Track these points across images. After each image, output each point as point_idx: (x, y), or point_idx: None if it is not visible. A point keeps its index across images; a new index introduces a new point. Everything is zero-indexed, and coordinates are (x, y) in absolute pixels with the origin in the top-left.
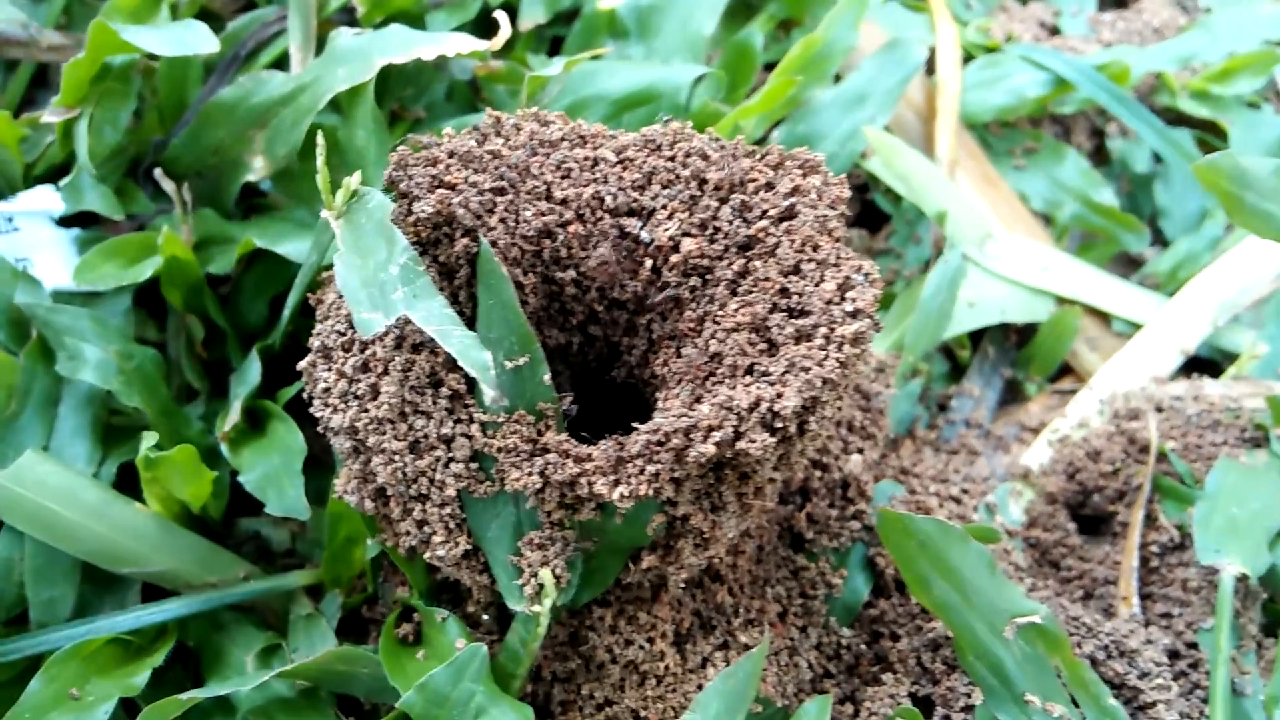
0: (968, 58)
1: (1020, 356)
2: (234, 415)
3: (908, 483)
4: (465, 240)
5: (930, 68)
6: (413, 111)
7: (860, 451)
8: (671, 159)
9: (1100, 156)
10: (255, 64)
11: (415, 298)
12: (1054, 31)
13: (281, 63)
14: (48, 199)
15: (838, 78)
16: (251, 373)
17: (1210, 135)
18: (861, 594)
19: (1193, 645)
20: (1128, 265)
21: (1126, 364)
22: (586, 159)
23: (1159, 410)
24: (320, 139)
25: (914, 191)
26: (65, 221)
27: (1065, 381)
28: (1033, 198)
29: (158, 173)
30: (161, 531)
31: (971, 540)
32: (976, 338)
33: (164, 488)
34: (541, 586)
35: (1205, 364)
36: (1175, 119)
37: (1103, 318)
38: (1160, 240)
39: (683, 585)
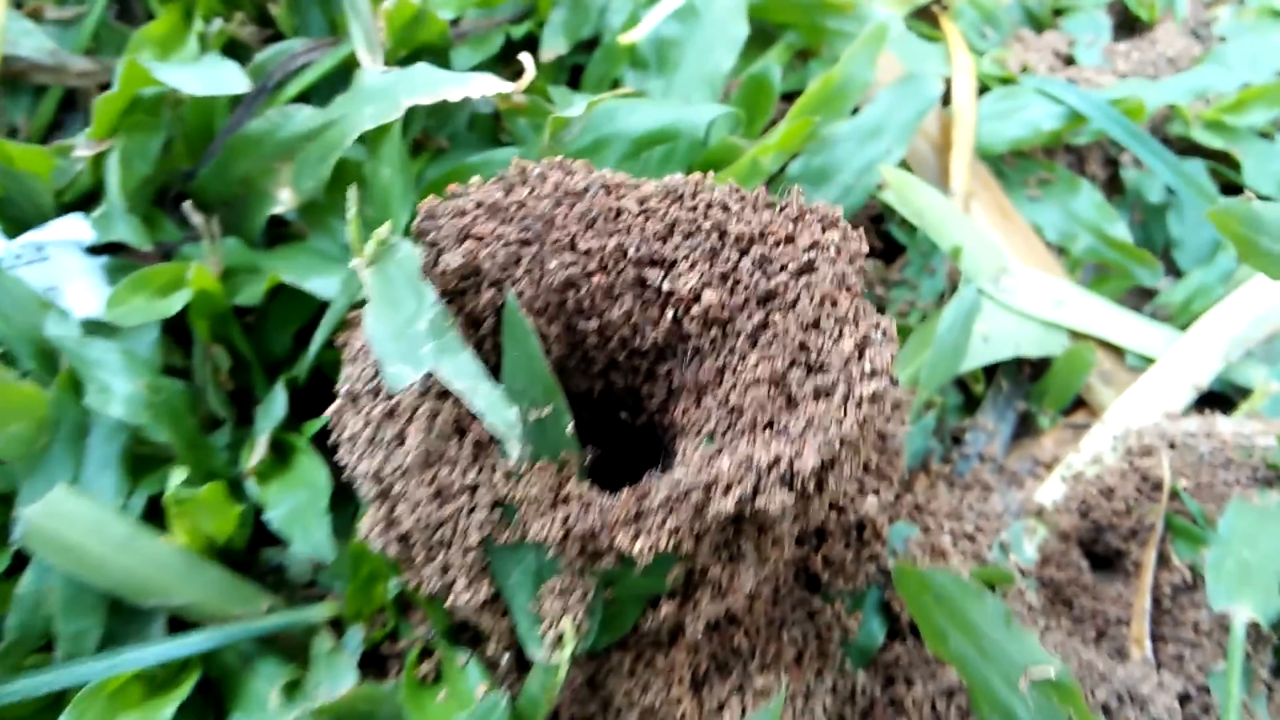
0: (983, 88)
1: (1034, 390)
2: (260, 449)
3: (922, 520)
4: (491, 291)
5: (946, 98)
6: (436, 141)
7: (876, 493)
8: (693, 210)
9: (1114, 185)
10: (281, 96)
11: (443, 352)
12: (1069, 61)
13: (309, 95)
14: (78, 228)
15: (855, 109)
16: (277, 406)
17: (1223, 165)
18: (877, 638)
19: (1204, 689)
20: (1141, 295)
21: (1139, 399)
22: (610, 209)
23: (1172, 447)
24: (354, 193)
25: (929, 226)
26: (94, 249)
27: (1078, 415)
28: (1047, 230)
29: (186, 206)
30: (187, 565)
31: (988, 594)
32: (990, 371)
33: (191, 522)
34: (561, 635)
35: (1218, 398)
36: (1188, 149)
37: (1116, 352)
38: (1173, 270)
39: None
